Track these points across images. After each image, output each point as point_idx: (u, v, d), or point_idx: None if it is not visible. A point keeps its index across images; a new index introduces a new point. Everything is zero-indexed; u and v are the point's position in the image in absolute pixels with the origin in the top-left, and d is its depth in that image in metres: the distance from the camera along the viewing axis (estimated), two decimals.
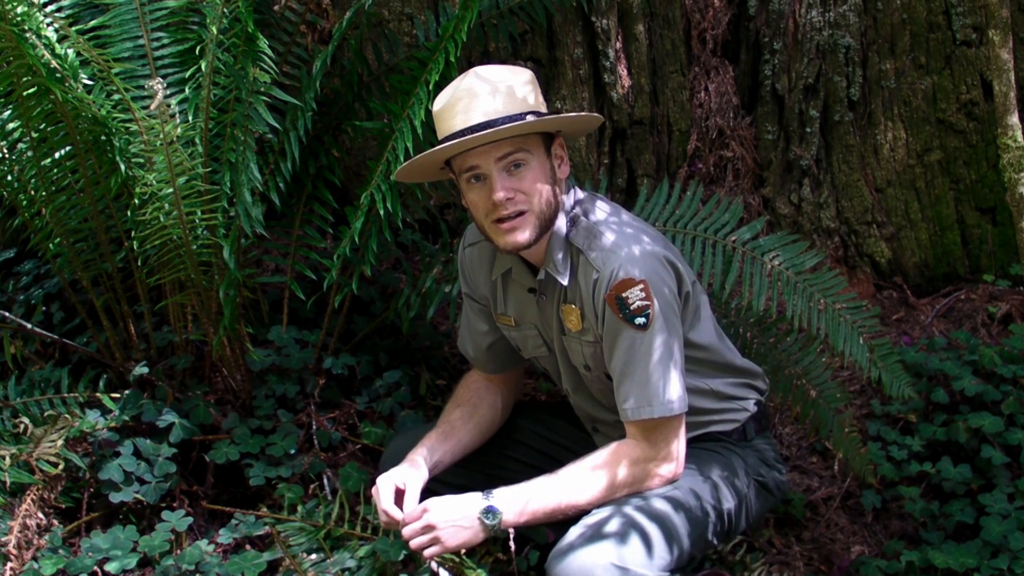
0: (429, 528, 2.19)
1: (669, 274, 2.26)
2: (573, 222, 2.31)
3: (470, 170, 2.22)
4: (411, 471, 2.33)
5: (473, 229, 2.50)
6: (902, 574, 2.67)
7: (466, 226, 2.60)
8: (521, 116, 2.19)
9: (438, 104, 2.26)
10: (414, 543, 2.21)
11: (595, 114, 2.36)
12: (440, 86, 2.65)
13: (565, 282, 2.29)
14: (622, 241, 2.25)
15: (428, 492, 2.35)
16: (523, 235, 2.22)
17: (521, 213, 2.21)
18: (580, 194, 2.37)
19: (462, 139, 2.17)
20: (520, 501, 2.20)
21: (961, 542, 2.73)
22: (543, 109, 2.27)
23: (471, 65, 2.30)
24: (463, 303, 2.60)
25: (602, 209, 2.35)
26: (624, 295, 2.20)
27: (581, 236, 2.28)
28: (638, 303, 2.20)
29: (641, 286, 2.19)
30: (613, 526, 2.17)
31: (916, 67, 3.46)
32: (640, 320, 2.20)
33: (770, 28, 3.45)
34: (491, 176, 2.20)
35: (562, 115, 2.28)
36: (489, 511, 2.18)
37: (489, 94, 2.19)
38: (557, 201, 2.27)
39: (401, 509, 2.27)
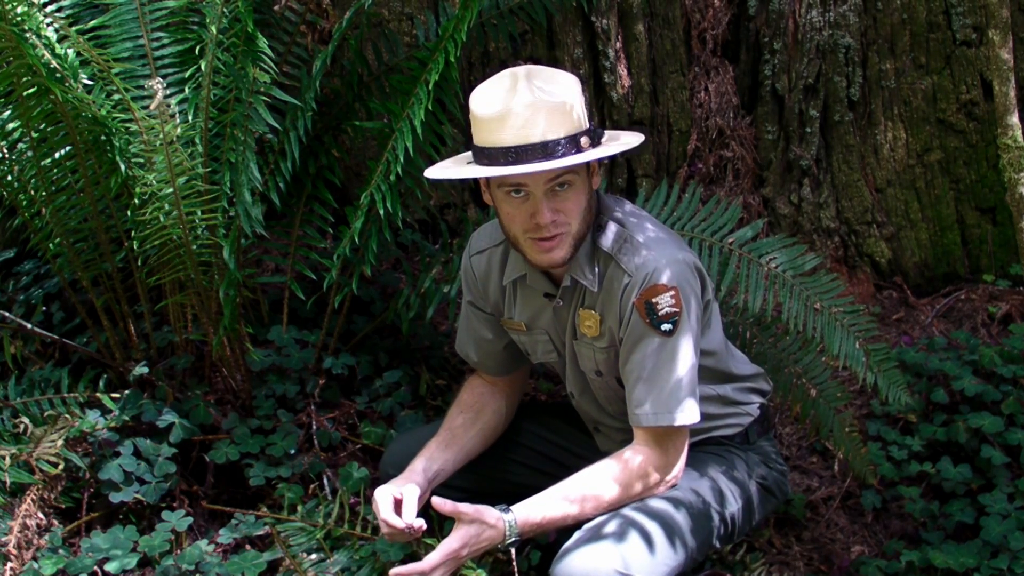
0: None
1: (697, 281, 2.24)
2: (599, 226, 2.28)
3: (515, 185, 2.16)
4: (408, 482, 2.32)
5: (479, 236, 2.48)
6: (902, 574, 2.67)
7: (467, 227, 2.58)
8: (576, 139, 2.11)
9: (485, 109, 2.13)
10: None
11: (642, 137, 2.29)
12: (440, 86, 2.66)
13: (595, 288, 2.27)
14: (654, 247, 2.22)
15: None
16: (559, 253, 2.19)
17: (560, 235, 2.18)
18: (604, 197, 2.34)
19: (527, 167, 2.08)
20: (534, 522, 2.19)
21: (961, 542, 2.73)
22: (589, 123, 2.19)
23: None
24: (463, 308, 2.58)
25: (629, 213, 2.32)
26: (654, 300, 2.18)
27: (611, 241, 2.25)
28: (667, 309, 2.18)
29: (672, 292, 2.18)
30: (616, 530, 2.16)
31: (916, 67, 3.46)
32: (667, 326, 2.19)
33: (770, 28, 3.45)
34: (537, 196, 2.14)
35: (620, 149, 2.22)
36: (512, 544, 2.18)
37: (543, 110, 2.09)
38: (592, 218, 2.24)
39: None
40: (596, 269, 2.27)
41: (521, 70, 2.17)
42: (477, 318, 2.52)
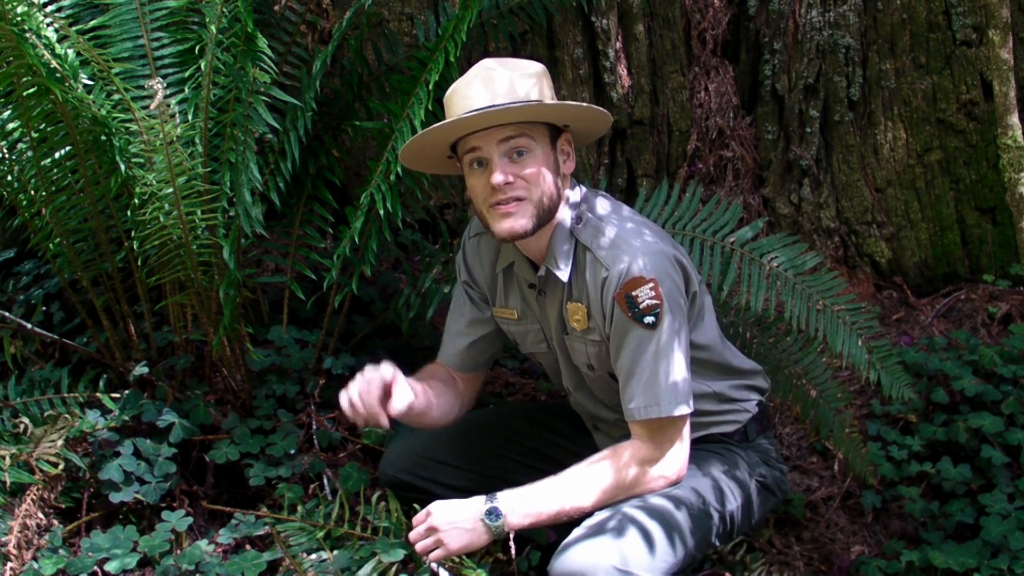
0: (432, 531, 2.19)
1: (678, 273, 2.25)
2: (579, 219, 2.29)
3: (472, 151, 2.21)
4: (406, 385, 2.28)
5: (477, 220, 2.49)
6: (902, 574, 2.67)
7: (466, 225, 2.59)
8: (527, 102, 2.18)
9: (449, 90, 2.26)
10: (419, 546, 2.21)
11: (603, 110, 2.31)
12: (440, 86, 2.66)
13: (565, 279, 2.29)
14: (632, 239, 2.24)
15: (430, 496, 2.35)
16: (519, 222, 2.21)
17: (519, 200, 2.20)
18: (585, 191, 2.36)
19: (462, 116, 2.16)
20: (524, 503, 2.20)
21: (961, 542, 2.73)
22: (552, 101, 2.26)
23: (471, 65, 2.29)
24: (456, 293, 2.58)
25: (609, 207, 2.34)
26: (634, 294, 2.19)
27: (588, 233, 2.27)
28: (648, 302, 2.19)
29: (651, 285, 2.18)
30: (616, 526, 2.16)
31: (916, 67, 3.46)
32: (649, 319, 2.19)
33: (770, 28, 3.45)
34: (492, 160, 2.19)
35: (568, 102, 2.26)
36: (492, 512, 2.17)
37: (497, 80, 2.19)
38: (559, 195, 2.26)
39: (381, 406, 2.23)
40: (572, 261, 2.28)
41: (489, 59, 2.27)
42: (466, 299, 2.53)
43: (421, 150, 2.32)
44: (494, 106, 2.16)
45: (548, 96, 2.26)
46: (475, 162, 2.22)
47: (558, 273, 2.29)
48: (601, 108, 2.32)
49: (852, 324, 2.66)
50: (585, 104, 2.31)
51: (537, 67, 2.26)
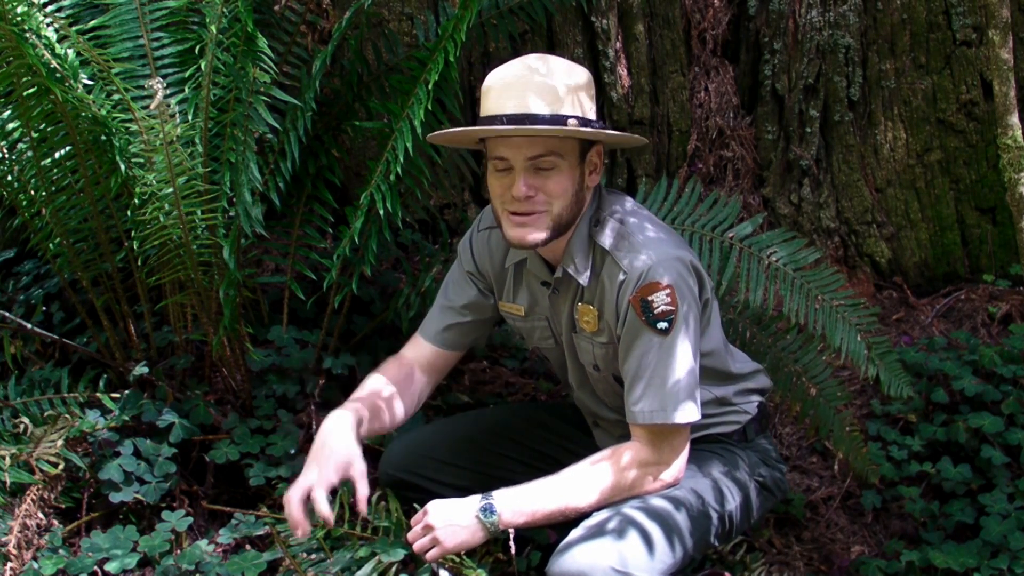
0: (429, 529, 2.19)
1: (694, 280, 2.24)
2: (597, 221, 2.29)
3: (499, 159, 2.20)
4: (347, 472, 2.31)
5: (488, 213, 2.48)
6: (902, 574, 2.67)
7: (467, 227, 2.59)
8: (564, 119, 2.15)
9: (489, 80, 2.22)
10: (416, 545, 2.21)
11: (640, 137, 2.32)
12: (440, 86, 2.66)
13: (585, 283, 2.28)
14: (650, 244, 2.23)
15: (430, 496, 2.35)
16: (533, 235, 2.20)
17: (537, 212, 2.20)
18: (606, 193, 2.35)
19: (498, 127, 2.15)
20: (518, 501, 2.20)
21: (961, 542, 2.73)
22: (591, 115, 2.23)
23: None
24: (455, 272, 2.55)
25: (629, 210, 2.32)
26: (650, 298, 2.18)
27: (607, 236, 2.26)
28: (663, 307, 2.18)
29: (668, 291, 2.18)
30: (615, 527, 2.16)
31: (916, 67, 3.46)
32: (663, 324, 2.19)
33: (770, 28, 3.45)
34: (517, 170, 2.18)
35: (604, 131, 2.24)
36: (487, 509, 2.18)
37: (540, 87, 2.16)
38: (578, 208, 2.24)
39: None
40: (590, 264, 2.27)
41: (536, 55, 2.24)
42: (467, 283, 2.51)
43: (452, 136, 2.34)
44: (532, 119, 2.13)
45: (589, 109, 2.22)
46: (500, 162, 2.21)
47: (578, 277, 2.28)
48: (638, 136, 2.31)
49: (851, 320, 2.66)
50: (620, 134, 2.32)
51: (582, 77, 2.22)
